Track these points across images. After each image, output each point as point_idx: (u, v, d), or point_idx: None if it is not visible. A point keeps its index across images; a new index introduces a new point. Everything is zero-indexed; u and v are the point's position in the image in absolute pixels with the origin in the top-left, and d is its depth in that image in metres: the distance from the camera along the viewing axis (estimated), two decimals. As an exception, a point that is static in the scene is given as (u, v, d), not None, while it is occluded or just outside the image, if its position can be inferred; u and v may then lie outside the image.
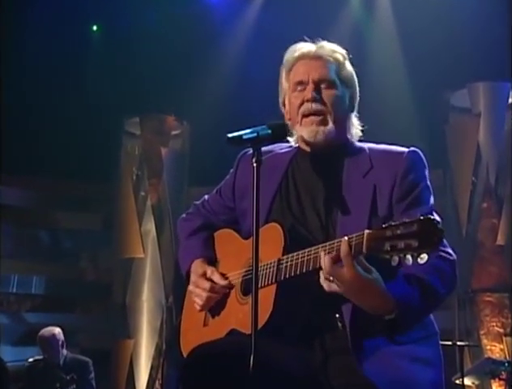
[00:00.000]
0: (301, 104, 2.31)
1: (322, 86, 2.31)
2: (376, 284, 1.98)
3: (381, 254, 1.90)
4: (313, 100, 2.28)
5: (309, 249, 2.09)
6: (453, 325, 7.58)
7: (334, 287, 2.00)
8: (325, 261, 1.99)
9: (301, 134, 2.32)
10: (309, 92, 2.29)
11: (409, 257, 1.84)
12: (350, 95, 2.36)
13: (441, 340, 2.28)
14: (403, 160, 2.24)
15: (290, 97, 2.36)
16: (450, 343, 5.66)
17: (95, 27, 9.33)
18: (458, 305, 7.60)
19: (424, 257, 1.83)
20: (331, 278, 1.99)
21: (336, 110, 2.30)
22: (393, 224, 1.90)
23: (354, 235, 1.96)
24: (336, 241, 2.01)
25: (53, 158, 9.09)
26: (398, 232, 1.87)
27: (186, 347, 2.39)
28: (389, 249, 1.87)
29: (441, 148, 8.44)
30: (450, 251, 2.18)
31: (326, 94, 2.30)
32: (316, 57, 2.33)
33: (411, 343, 2.11)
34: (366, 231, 1.94)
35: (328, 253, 2.01)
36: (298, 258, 2.11)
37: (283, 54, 2.42)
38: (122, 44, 8.69)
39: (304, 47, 2.37)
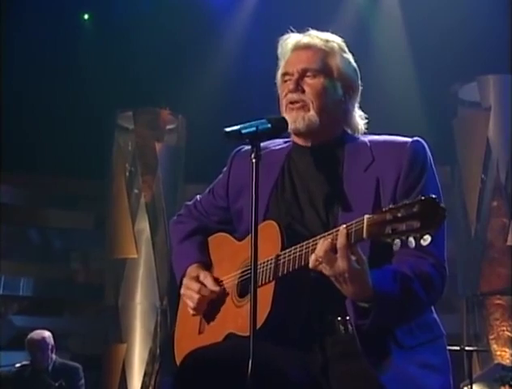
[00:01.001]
0: (286, 95, 2.31)
1: (307, 75, 2.29)
2: (363, 276, 1.97)
3: (382, 238, 1.87)
4: (294, 90, 2.28)
5: (308, 241, 2.06)
6: (461, 329, 7.68)
7: (321, 267, 1.98)
8: (320, 245, 1.98)
9: None
10: (291, 83, 2.29)
11: (411, 239, 1.81)
12: (344, 85, 2.31)
13: (449, 345, 2.27)
14: (407, 151, 2.20)
15: (279, 89, 2.37)
16: (458, 348, 5.54)
17: (86, 16, 9.23)
18: (466, 309, 7.67)
19: (427, 238, 1.80)
20: (320, 260, 1.97)
21: (319, 99, 2.27)
22: (393, 206, 1.87)
23: (354, 222, 1.94)
24: (335, 230, 1.99)
25: (43, 154, 9.00)
26: (399, 214, 1.84)
27: (181, 356, 2.31)
28: (390, 232, 1.85)
29: (449, 144, 8.35)
30: (445, 266, 2.17)
31: (309, 83, 2.28)
32: (306, 47, 2.32)
33: (417, 346, 2.11)
34: (366, 216, 1.91)
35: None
36: (296, 252, 2.09)
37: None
38: (115, 33, 8.60)
39: (294, 38, 2.36)
